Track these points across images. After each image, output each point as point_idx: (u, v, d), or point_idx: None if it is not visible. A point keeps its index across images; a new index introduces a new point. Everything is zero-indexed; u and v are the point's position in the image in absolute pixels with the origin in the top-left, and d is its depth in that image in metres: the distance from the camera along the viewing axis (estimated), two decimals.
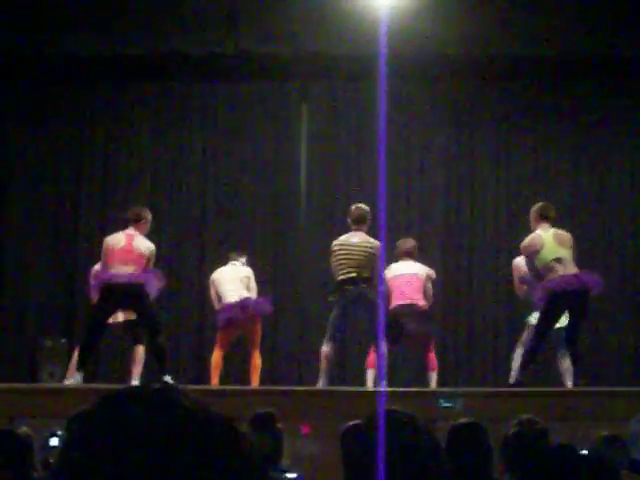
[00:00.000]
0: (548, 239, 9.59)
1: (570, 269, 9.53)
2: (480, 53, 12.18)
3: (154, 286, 9.67)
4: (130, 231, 9.71)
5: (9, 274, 13.00)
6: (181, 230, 13.18)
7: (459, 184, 13.26)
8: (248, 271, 10.93)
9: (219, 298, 10.74)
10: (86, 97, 13.17)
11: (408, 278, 10.45)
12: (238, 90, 13.20)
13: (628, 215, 13.05)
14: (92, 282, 10.14)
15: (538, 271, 9.63)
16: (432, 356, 10.54)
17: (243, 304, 10.52)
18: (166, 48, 12.17)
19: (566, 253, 9.59)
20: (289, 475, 5.32)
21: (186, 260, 13.09)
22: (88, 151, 13.28)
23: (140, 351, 10.14)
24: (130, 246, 9.58)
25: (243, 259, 11.10)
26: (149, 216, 9.95)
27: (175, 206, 13.20)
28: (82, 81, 12.99)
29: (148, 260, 9.66)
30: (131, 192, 12.98)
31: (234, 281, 10.74)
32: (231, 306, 10.57)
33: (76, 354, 10.32)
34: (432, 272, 10.69)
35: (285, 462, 5.59)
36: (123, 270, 9.49)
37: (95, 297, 9.86)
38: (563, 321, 9.84)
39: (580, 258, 12.39)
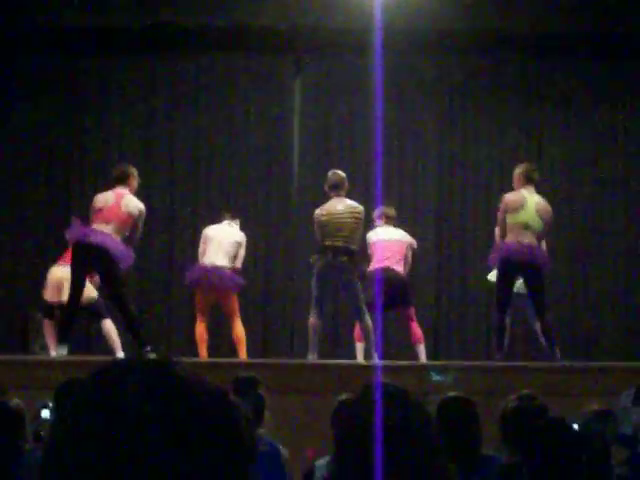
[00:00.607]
0: (531, 203, 9.51)
1: (529, 239, 9.47)
2: (475, 26, 12.15)
3: (123, 261, 9.34)
4: (119, 190, 9.45)
5: (0, 246, 12.99)
6: (173, 206, 13.15)
7: (453, 155, 13.27)
8: (241, 236, 10.74)
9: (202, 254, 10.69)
10: (78, 70, 13.11)
11: (390, 243, 10.47)
12: (232, 63, 13.16)
13: (623, 190, 13.06)
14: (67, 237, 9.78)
15: (504, 228, 9.61)
16: (415, 326, 10.51)
17: (210, 271, 10.40)
18: (159, 20, 12.12)
19: (538, 223, 9.49)
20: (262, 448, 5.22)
21: (178, 231, 13.07)
22: (80, 124, 13.24)
23: (108, 324, 9.97)
24: (118, 205, 9.32)
25: (237, 222, 10.98)
26: (135, 172, 9.67)
27: (167, 177, 13.18)
28: (73, 54, 12.92)
29: (136, 220, 9.39)
30: (124, 162, 12.94)
31: (221, 243, 10.56)
32: (199, 270, 10.50)
33: (46, 325, 10.27)
34: (414, 242, 10.71)
35: (261, 431, 5.52)
36: (101, 228, 9.22)
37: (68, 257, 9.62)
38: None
39: (576, 236, 12.45)
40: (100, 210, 9.35)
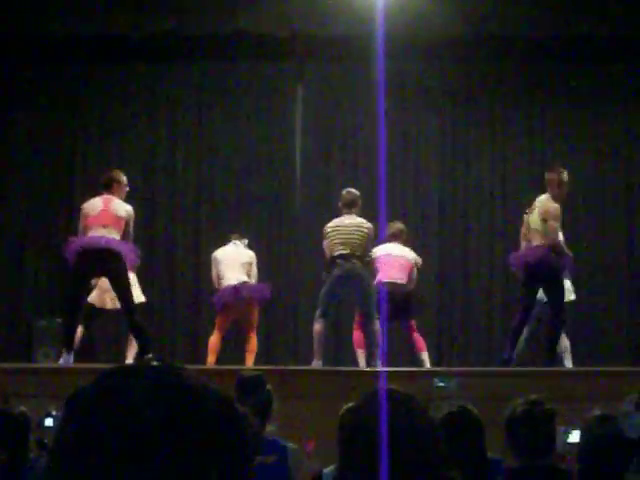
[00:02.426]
0: (536, 206, 9.58)
1: (536, 241, 9.45)
2: (478, 33, 12.15)
3: (131, 259, 9.45)
4: (106, 195, 9.50)
5: (4, 254, 13.00)
6: (176, 211, 13.16)
7: (455, 163, 13.26)
8: (251, 256, 10.85)
9: (219, 278, 10.72)
10: (81, 78, 13.13)
11: (396, 259, 10.56)
12: (234, 70, 13.17)
13: (623, 187, 13.06)
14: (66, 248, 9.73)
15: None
16: (417, 336, 10.67)
17: (240, 290, 10.48)
18: (162, 28, 12.12)
19: (540, 225, 9.45)
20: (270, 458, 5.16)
21: (181, 240, 13.07)
22: (83, 131, 13.26)
23: None
24: (107, 209, 9.36)
25: (245, 241, 11.06)
26: (123, 178, 9.73)
27: (170, 186, 13.19)
28: (76, 62, 12.93)
29: (127, 223, 9.44)
30: (125, 172, 12.96)
31: (235, 263, 10.67)
32: (228, 290, 10.54)
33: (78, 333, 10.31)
34: (419, 259, 10.83)
35: (271, 429, 5.48)
36: (100, 233, 9.24)
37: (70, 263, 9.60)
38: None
39: (580, 241, 12.45)
40: (91, 216, 9.39)
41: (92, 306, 10.35)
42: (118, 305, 9.90)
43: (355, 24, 11.57)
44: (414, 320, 10.74)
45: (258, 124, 13.23)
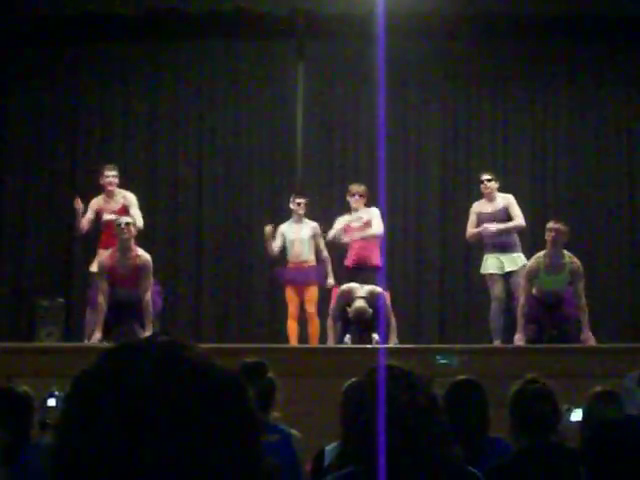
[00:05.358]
0: None
1: None
2: (477, 11, 12.11)
3: None
4: None
5: (6, 234, 13.00)
6: (177, 194, 13.12)
7: (456, 141, 13.23)
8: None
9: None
10: (80, 57, 13.08)
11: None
12: (234, 49, 13.13)
13: (624, 171, 13.04)
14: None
15: None
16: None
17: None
18: (163, 6, 12.10)
19: None
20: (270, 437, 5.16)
21: (182, 223, 13.04)
22: (84, 108, 13.22)
23: None
24: None
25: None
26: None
27: (172, 167, 13.16)
28: (76, 41, 12.89)
29: None
30: (127, 151, 12.95)
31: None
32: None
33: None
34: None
35: (275, 414, 5.49)
36: None
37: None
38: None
39: (580, 218, 12.48)
40: None
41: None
42: None
43: (355, 1, 11.54)
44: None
45: (259, 102, 13.20)
